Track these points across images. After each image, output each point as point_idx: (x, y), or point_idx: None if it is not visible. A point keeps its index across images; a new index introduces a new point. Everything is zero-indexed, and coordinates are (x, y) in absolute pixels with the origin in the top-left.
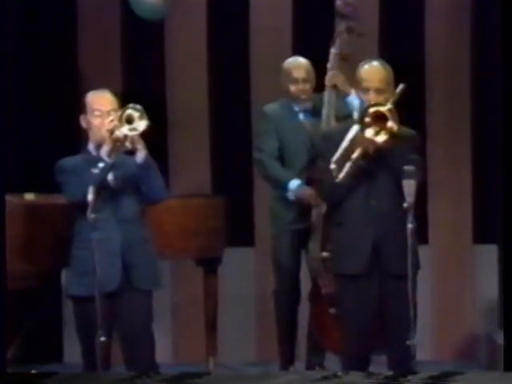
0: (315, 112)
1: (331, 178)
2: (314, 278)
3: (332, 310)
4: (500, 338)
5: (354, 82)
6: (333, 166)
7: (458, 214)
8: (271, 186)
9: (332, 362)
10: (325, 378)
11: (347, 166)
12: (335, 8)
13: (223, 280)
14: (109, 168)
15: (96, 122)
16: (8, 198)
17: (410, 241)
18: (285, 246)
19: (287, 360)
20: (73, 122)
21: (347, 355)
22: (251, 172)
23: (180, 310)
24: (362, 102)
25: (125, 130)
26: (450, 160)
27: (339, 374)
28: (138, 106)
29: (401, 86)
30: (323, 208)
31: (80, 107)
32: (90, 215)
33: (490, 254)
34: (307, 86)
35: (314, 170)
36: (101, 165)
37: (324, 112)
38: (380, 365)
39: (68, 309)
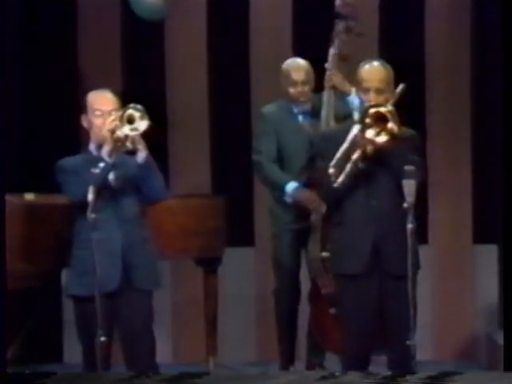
0: (314, 113)
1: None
2: (313, 278)
3: (332, 310)
4: (500, 338)
5: (354, 82)
6: (331, 171)
7: (457, 214)
8: (269, 189)
9: (332, 362)
10: (324, 377)
11: (347, 168)
12: (334, 8)
13: (223, 280)
14: (109, 168)
15: (97, 121)
16: (8, 197)
17: (409, 241)
18: (285, 246)
19: (287, 360)
20: (73, 121)
21: (347, 355)
22: (251, 172)
23: (180, 310)
24: (361, 101)
25: (126, 130)
26: (450, 160)
27: (337, 373)
28: (139, 106)
29: (401, 86)
30: (323, 208)
31: (80, 107)
32: (90, 215)
33: (489, 254)
34: (306, 88)
35: (313, 171)
36: (101, 165)
37: (323, 112)
38: (380, 365)
39: (68, 309)
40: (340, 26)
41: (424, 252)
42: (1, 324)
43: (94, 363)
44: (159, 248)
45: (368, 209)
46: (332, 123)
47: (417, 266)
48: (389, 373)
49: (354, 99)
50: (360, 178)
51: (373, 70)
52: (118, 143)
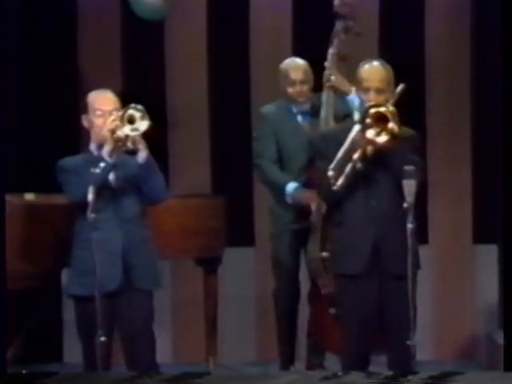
0: (313, 113)
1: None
2: (313, 278)
3: (332, 310)
4: (500, 338)
5: (354, 81)
6: (331, 173)
7: (458, 214)
8: (270, 190)
9: (332, 361)
10: (325, 378)
11: (347, 169)
12: (333, 8)
13: (223, 280)
14: (110, 168)
15: (98, 121)
16: (8, 197)
17: (409, 241)
18: (284, 246)
19: (287, 360)
20: (73, 121)
21: (347, 355)
22: (251, 172)
23: (180, 309)
24: (362, 101)
25: (126, 130)
26: (450, 160)
27: (340, 373)
28: (140, 107)
29: (401, 86)
30: (323, 208)
31: (80, 107)
32: (90, 215)
33: (490, 254)
34: (305, 88)
35: (312, 171)
36: (102, 165)
37: (322, 112)
38: (380, 365)
39: (68, 309)
40: (339, 25)
41: (424, 252)
42: (1, 324)
43: (94, 363)
44: (159, 248)
45: (368, 209)
46: (331, 123)
47: (417, 265)
48: (391, 373)
49: (353, 99)
50: (360, 178)
51: (373, 70)
52: (119, 143)
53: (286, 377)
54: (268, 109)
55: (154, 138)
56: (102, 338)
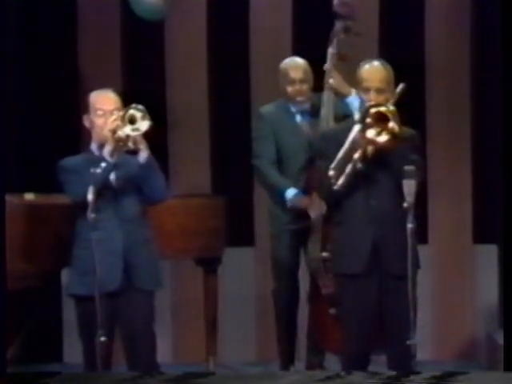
0: (313, 112)
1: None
2: (313, 279)
3: (332, 311)
4: (500, 338)
5: (355, 81)
6: (332, 173)
7: (458, 214)
8: (268, 193)
9: (332, 362)
10: (328, 377)
11: (347, 169)
12: (332, 8)
13: (223, 280)
14: (110, 168)
15: (99, 121)
16: (8, 198)
17: (409, 241)
18: (283, 246)
19: (287, 360)
20: (73, 121)
21: (347, 355)
22: (251, 172)
23: (180, 309)
24: (362, 101)
25: (127, 130)
26: (450, 160)
27: (342, 374)
28: (141, 107)
29: (401, 86)
30: (323, 208)
31: (80, 107)
32: (90, 215)
33: (489, 254)
34: (304, 87)
35: (311, 171)
36: (103, 165)
37: (323, 112)
38: (380, 365)
39: (68, 309)
40: (338, 25)
41: (424, 252)
42: (1, 324)
43: (94, 363)
44: (159, 248)
45: (368, 209)
46: (331, 123)
47: (417, 265)
48: (393, 373)
49: (352, 100)
50: (360, 178)
51: (373, 70)
52: (120, 143)
53: (288, 377)
54: (267, 109)
55: (154, 138)
56: (102, 338)
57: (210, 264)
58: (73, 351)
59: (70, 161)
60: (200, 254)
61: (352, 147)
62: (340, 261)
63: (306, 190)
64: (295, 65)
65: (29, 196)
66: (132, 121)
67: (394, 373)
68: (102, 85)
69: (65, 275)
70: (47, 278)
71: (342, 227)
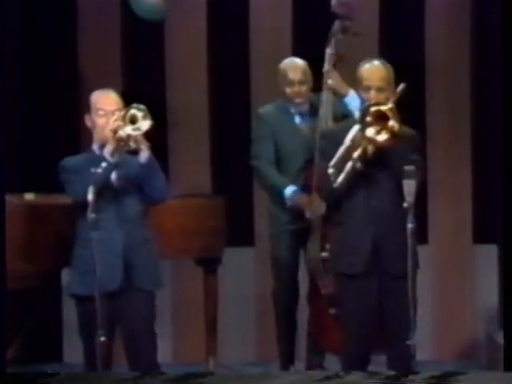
0: (312, 113)
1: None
2: (312, 279)
3: (332, 311)
4: (500, 338)
5: (355, 81)
6: (331, 171)
7: (458, 214)
8: (268, 193)
9: (332, 362)
10: (327, 377)
11: (347, 167)
12: (330, 8)
13: (223, 280)
14: (111, 168)
15: (100, 121)
16: (8, 197)
17: (409, 241)
18: (283, 246)
19: (287, 360)
20: (73, 121)
21: (347, 355)
22: (251, 172)
23: (180, 310)
24: (362, 101)
25: (128, 129)
26: (450, 160)
27: (341, 374)
28: (142, 106)
29: (402, 86)
30: (323, 208)
31: (80, 107)
32: (91, 215)
33: (489, 254)
34: (303, 88)
35: (310, 172)
36: (103, 164)
37: (321, 112)
38: (380, 364)
39: (68, 309)
40: (336, 25)
41: (424, 252)
42: (1, 324)
43: (94, 363)
44: (159, 248)
45: (368, 208)
46: (330, 123)
47: (416, 265)
48: (392, 373)
49: (351, 100)
50: (360, 178)
51: (373, 69)
52: (121, 143)
53: (288, 377)
54: (266, 109)
55: (154, 138)
56: (102, 338)
57: (210, 264)
58: (73, 351)
59: (72, 160)
60: (200, 254)
61: (351, 146)
62: (340, 261)
63: (305, 191)
64: (294, 66)
65: (29, 196)
66: (133, 120)
67: (393, 373)
68: (102, 85)
69: (65, 275)
70: (47, 278)
71: (342, 227)
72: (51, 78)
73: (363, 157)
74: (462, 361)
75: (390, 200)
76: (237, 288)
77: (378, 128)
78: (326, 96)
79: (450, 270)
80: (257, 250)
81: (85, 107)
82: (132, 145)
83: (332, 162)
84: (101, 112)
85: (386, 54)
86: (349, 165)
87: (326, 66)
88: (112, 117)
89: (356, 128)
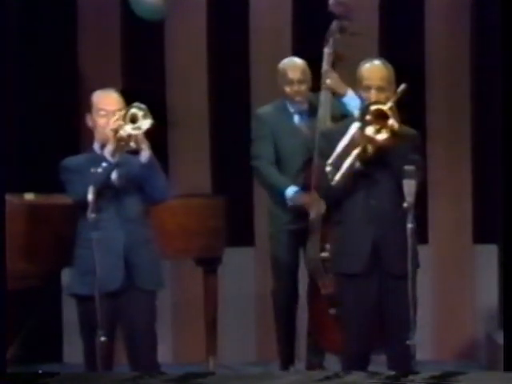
0: (311, 113)
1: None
2: (312, 279)
3: (332, 311)
4: (500, 338)
5: (355, 81)
6: (328, 169)
7: (458, 214)
8: (268, 193)
9: (332, 362)
10: (327, 377)
11: (345, 165)
12: (328, 7)
13: (223, 280)
14: (111, 168)
15: (101, 121)
16: (8, 197)
17: (409, 241)
18: (282, 246)
19: (287, 360)
20: (73, 121)
21: (347, 355)
22: (251, 172)
23: (180, 310)
24: (362, 101)
25: (128, 128)
26: (450, 160)
27: (341, 373)
28: (142, 106)
29: (402, 86)
30: (322, 208)
31: (80, 107)
32: (90, 215)
33: (489, 254)
34: (303, 88)
35: (310, 171)
36: (104, 164)
37: (320, 112)
38: (380, 364)
39: (68, 309)
40: (334, 25)
41: (424, 252)
42: (1, 324)
43: (95, 363)
44: (160, 248)
45: (368, 208)
46: (329, 123)
47: (416, 265)
48: (392, 373)
49: (350, 100)
50: (360, 178)
51: (374, 69)
52: (121, 142)
53: (288, 377)
54: (265, 110)
55: (154, 138)
56: (102, 338)
57: (210, 264)
58: (73, 351)
59: (73, 160)
60: (200, 254)
61: (350, 144)
62: (340, 261)
63: (304, 190)
64: (293, 65)
65: (29, 196)
66: (133, 120)
67: (393, 373)
68: (102, 85)
69: (65, 275)
70: (47, 277)
71: (342, 227)
72: (51, 78)
73: (363, 156)
74: (462, 361)
75: (389, 200)
76: (237, 288)
77: (378, 127)
78: (324, 96)
79: (450, 270)
80: (257, 250)
81: (85, 107)
82: (132, 144)
83: (329, 160)
84: (102, 112)
85: (385, 54)
86: (347, 162)
87: (325, 66)
88: (113, 117)
89: (355, 126)
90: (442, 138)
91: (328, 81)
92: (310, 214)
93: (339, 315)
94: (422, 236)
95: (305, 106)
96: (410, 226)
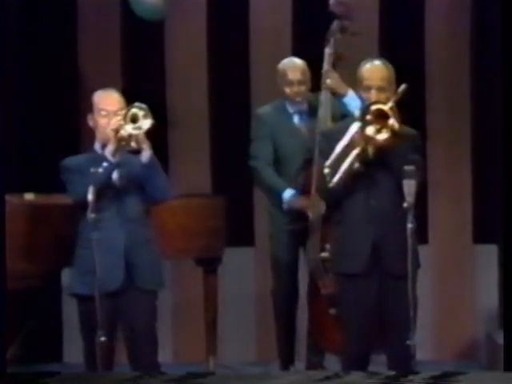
0: (310, 113)
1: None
2: (312, 279)
3: (332, 311)
4: (500, 338)
5: (355, 81)
6: (326, 171)
7: (458, 214)
8: (266, 195)
9: (332, 362)
10: (327, 377)
11: (344, 166)
12: (328, 7)
13: (223, 280)
14: (112, 168)
15: (102, 121)
16: (8, 198)
17: (409, 241)
18: (282, 246)
19: (287, 360)
20: (73, 121)
21: (347, 355)
22: (251, 172)
23: (180, 310)
24: (363, 101)
25: (129, 128)
26: (450, 160)
27: (341, 373)
28: (143, 105)
29: (403, 86)
30: (322, 208)
31: (80, 107)
32: (90, 215)
33: (489, 254)
34: (302, 88)
35: (309, 171)
36: (104, 164)
37: (320, 113)
38: (380, 364)
39: (68, 309)
40: (334, 25)
41: (424, 252)
42: (1, 324)
43: (95, 362)
44: (160, 248)
45: (368, 208)
46: (329, 123)
47: (417, 265)
48: (392, 373)
49: (350, 100)
50: (360, 178)
51: (374, 69)
52: (122, 142)
53: (288, 377)
54: (264, 110)
55: (154, 138)
56: (102, 338)
57: (210, 264)
58: (73, 351)
59: (73, 160)
60: (200, 254)
61: (349, 145)
62: (340, 261)
63: (303, 191)
64: (293, 66)
65: (29, 196)
66: (134, 119)
67: (393, 373)
68: (102, 85)
69: (65, 275)
70: (47, 278)
71: (342, 227)
72: (51, 78)
73: (363, 156)
74: (461, 361)
75: (390, 200)
76: (237, 288)
77: (378, 127)
78: (324, 96)
79: (450, 270)
80: (257, 250)
81: (85, 107)
82: (133, 144)
83: (327, 162)
84: (103, 112)
85: (386, 54)
86: (346, 163)
87: (325, 66)
88: (114, 117)
89: (355, 127)
90: (442, 138)
91: (328, 81)
92: (311, 215)
93: (339, 315)
94: (422, 236)
95: (304, 107)
96: (410, 225)
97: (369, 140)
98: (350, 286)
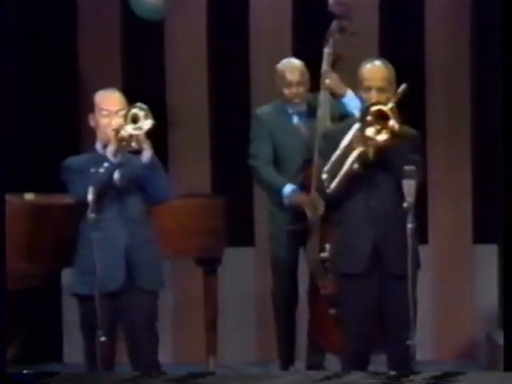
0: (309, 113)
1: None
2: (312, 279)
3: (332, 311)
4: (500, 338)
5: (355, 82)
6: (324, 176)
7: (458, 214)
8: (266, 192)
9: (332, 362)
10: (328, 377)
11: (343, 170)
12: (328, 7)
13: (223, 280)
14: (113, 168)
15: (103, 121)
16: (8, 197)
17: (409, 241)
18: (282, 246)
19: (287, 360)
20: (73, 121)
21: (347, 355)
22: (251, 172)
23: (180, 310)
24: (363, 101)
25: (130, 129)
26: (450, 160)
27: (341, 373)
28: (144, 106)
29: (403, 86)
30: (322, 208)
31: (80, 107)
32: (90, 215)
33: (489, 254)
34: (301, 89)
35: (309, 172)
36: (105, 164)
37: (319, 113)
38: (380, 364)
39: (68, 309)
40: (333, 25)
41: (424, 252)
42: (1, 324)
43: (95, 362)
44: (160, 248)
45: (368, 209)
46: (328, 124)
47: (417, 265)
48: (393, 373)
49: (349, 100)
50: (360, 179)
51: (375, 69)
52: (123, 143)
53: (288, 377)
54: (264, 110)
55: (154, 138)
56: (103, 338)
57: (210, 264)
58: (73, 351)
59: (74, 160)
60: (200, 254)
61: (349, 146)
62: (340, 261)
63: (303, 190)
64: (292, 67)
65: (29, 196)
66: (135, 120)
67: (393, 373)
68: (102, 85)
69: (65, 275)
70: (47, 277)
71: (343, 227)
72: (51, 78)
73: (363, 157)
74: (461, 361)
75: (390, 200)
76: (237, 288)
77: (379, 128)
78: (323, 96)
79: (449, 270)
80: (257, 250)
81: (85, 107)
82: (134, 145)
83: (326, 168)
84: (104, 112)
85: (385, 54)
86: (345, 168)
87: (324, 66)
88: (115, 117)
89: (355, 127)
90: (442, 138)
91: (327, 81)
92: (309, 214)
93: (339, 315)
94: (422, 236)
95: (303, 107)
96: (410, 226)
97: (369, 141)
98: (350, 286)
